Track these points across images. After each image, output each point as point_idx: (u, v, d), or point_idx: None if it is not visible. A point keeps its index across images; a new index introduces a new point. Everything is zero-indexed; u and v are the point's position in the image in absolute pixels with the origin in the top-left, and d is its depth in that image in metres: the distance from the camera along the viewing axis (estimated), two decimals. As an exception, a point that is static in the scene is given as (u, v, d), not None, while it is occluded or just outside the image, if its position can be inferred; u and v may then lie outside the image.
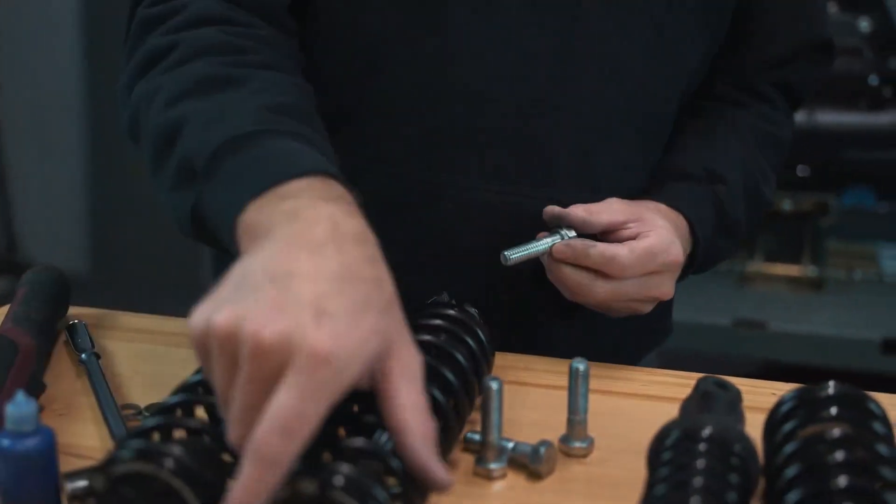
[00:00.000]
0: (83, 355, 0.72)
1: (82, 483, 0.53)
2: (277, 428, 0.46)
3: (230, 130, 0.61)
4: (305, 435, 0.46)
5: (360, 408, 0.54)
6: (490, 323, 0.68)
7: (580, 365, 0.62)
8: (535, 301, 0.81)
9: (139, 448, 0.49)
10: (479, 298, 0.71)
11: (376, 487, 0.47)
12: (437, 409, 0.56)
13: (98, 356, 0.72)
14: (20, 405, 0.52)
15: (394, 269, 0.54)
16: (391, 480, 0.50)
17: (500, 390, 0.59)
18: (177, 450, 0.49)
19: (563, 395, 0.64)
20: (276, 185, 0.55)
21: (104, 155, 2.78)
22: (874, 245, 2.46)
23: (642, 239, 0.75)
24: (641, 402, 0.71)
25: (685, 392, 0.64)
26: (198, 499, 0.48)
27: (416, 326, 0.62)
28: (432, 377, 0.58)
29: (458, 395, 0.60)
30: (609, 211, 0.76)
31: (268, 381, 0.47)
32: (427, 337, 0.62)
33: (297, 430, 0.46)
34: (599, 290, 0.74)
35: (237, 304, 0.48)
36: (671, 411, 0.63)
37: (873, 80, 2.11)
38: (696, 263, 0.83)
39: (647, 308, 0.78)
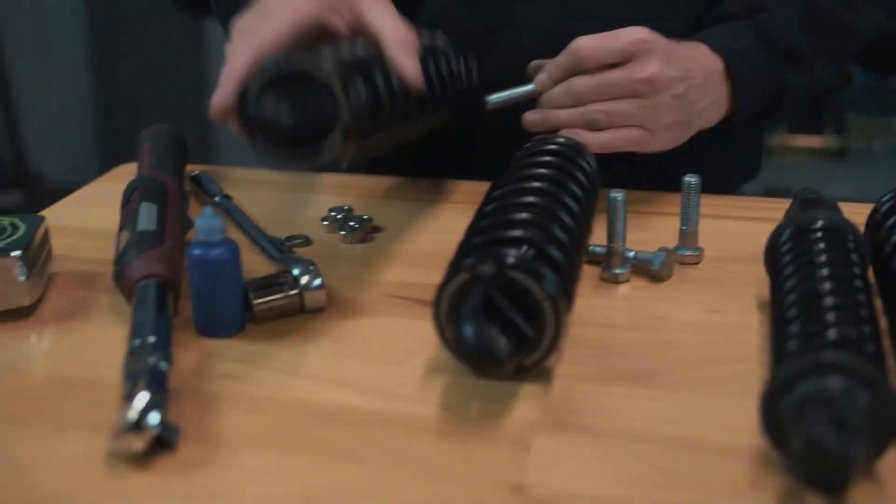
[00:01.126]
0: (216, 198, 0.78)
1: (264, 288, 0.59)
2: None
3: None
4: None
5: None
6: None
7: (692, 179, 0.68)
8: None
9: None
10: None
11: (545, 268, 0.53)
12: (568, 233, 0.61)
13: (229, 197, 0.78)
14: (208, 218, 0.57)
15: None
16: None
17: (624, 200, 0.65)
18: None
19: (669, 220, 0.70)
20: None
21: (108, 64, 2.78)
22: (890, 118, 2.50)
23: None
24: (738, 222, 0.77)
25: (777, 213, 0.70)
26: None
27: (527, 161, 0.67)
28: (555, 207, 0.62)
29: (580, 223, 0.64)
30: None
31: None
32: (542, 171, 0.66)
33: None
34: (581, 87, 0.75)
35: None
36: (770, 227, 0.69)
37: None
38: (742, 96, 0.80)
39: (655, 101, 0.75)
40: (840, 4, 0.87)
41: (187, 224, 0.71)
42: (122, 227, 0.66)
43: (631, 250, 0.67)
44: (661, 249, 0.67)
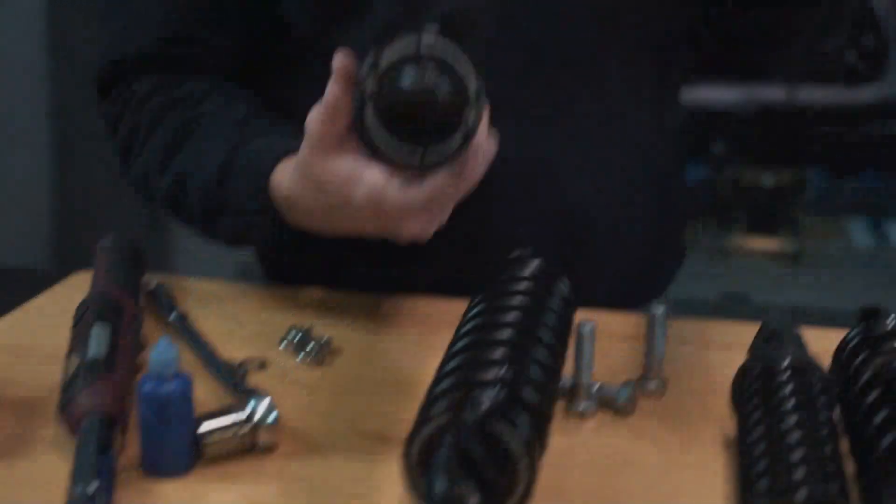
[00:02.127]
0: (171, 317, 0.75)
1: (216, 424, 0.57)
2: None
3: (218, 159, 0.75)
4: None
5: None
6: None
7: (658, 309, 0.67)
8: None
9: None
10: None
11: (520, 414, 0.51)
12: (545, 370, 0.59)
13: (184, 317, 0.75)
14: (162, 351, 0.55)
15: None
16: None
17: (592, 333, 0.64)
18: None
19: (631, 346, 0.69)
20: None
21: (68, 151, 2.75)
22: (845, 219, 2.55)
23: None
24: (704, 350, 0.76)
25: (742, 340, 0.70)
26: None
27: (502, 288, 0.66)
28: (532, 343, 0.61)
29: (557, 342, 0.63)
30: None
31: None
32: (522, 295, 0.65)
33: None
34: None
35: None
36: (735, 357, 0.68)
37: (850, 56, 2.19)
38: None
39: None
40: None
41: (140, 346, 0.69)
42: (71, 351, 0.64)
43: (596, 382, 0.66)
44: (626, 384, 0.65)
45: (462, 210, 0.68)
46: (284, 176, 0.71)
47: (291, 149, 0.69)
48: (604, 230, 0.85)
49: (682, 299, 2.21)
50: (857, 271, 2.32)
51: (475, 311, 0.65)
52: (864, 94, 2.20)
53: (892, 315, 0.62)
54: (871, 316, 0.63)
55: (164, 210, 0.83)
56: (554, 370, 0.59)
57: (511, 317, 0.61)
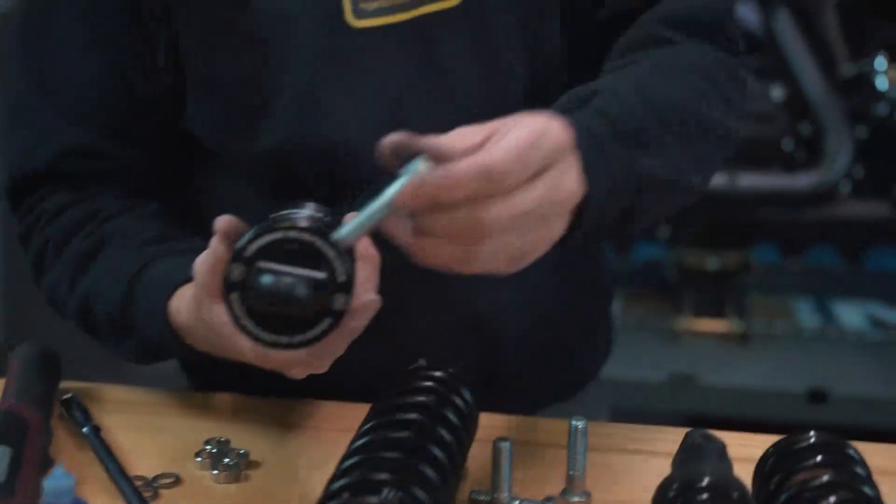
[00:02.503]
0: (84, 429, 0.73)
1: None
2: None
3: (121, 285, 0.75)
4: None
5: None
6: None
7: (579, 423, 0.66)
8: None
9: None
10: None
11: None
12: (438, 468, 0.59)
13: (98, 429, 0.73)
14: (59, 478, 0.53)
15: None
16: None
17: (510, 449, 0.63)
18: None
19: (557, 451, 0.68)
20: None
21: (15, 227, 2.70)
22: (791, 299, 2.58)
23: (510, 134, 0.58)
24: (629, 457, 0.75)
25: (667, 447, 0.69)
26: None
27: (406, 390, 0.66)
28: (429, 439, 0.61)
29: (453, 456, 0.62)
30: (461, 134, 0.59)
31: None
32: (421, 398, 0.65)
33: None
34: (491, 217, 0.56)
35: None
36: (660, 464, 0.68)
37: (787, 144, 2.24)
38: (593, 173, 0.63)
39: (557, 227, 0.62)
40: (695, 97, 0.75)
41: (48, 464, 0.67)
42: (-29, 472, 0.62)
43: (517, 498, 0.64)
44: (547, 499, 0.64)
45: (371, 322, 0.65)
46: (182, 304, 0.71)
47: (191, 276, 0.68)
48: (517, 335, 0.84)
49: (631, 381, 2.22)
50: (804, 350, 2.34)
51: (373, 414, 0.65)
52: (804, 179, 2.25)
53: (811, 432, 0.61)
54: (815, 399, 0.63)
55: (76, 325, 0.82)
56: (451, 471, 0.58)
57: (410, 416, 0.61)
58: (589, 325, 0.92)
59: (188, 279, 0.68)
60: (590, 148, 0.63)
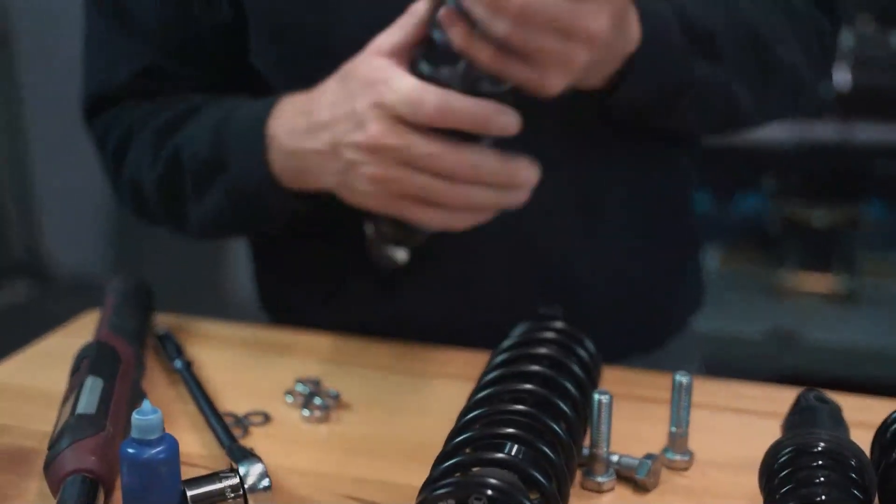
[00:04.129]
0: (176, 363, 0.73)
1: (204, 490, 0.54)
2: None
3: (214, 122, 0.75)
4: None
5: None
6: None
7: (683, 378, 0.62)
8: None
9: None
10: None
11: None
12: (566, 422, 0.57)
13: (189, 363, 0.73)
14: (146, 413, 0.52)
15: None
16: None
17: (609, 404, 0.59)
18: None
19: (656, 407, 0.64)
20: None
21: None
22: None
23: None
24: (734, 416, 0.71)
25: (775, 407, 0.65)
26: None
27: (525, 343, 0.64)
28: (555, 392, 0.59)
29: (578, 411, 0.60)
30: None
31: None
32: (544, 350, 0.63)
33: None
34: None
35: None
36: (768, 425, 0.64)
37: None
38: (645, 51, 0.68)
39: (581, 54, 0.62)
40: (768, 31, 0.77)
41: (139, 396, 0.66)
42: (64, 401, 0.62)
43: (615, 454, 0.61)
44: (648, 456, 0.61)
45: (451, 258, 0.67)
46: (281, 121, 0.71)
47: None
48: (593, 284, 0.81)
49: (727, 335, 2.15)
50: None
51: (500, 359, 0.63)
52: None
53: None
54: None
55: (154, 206, 0.82)
56: (569, 446, 0.56)
57: (532, 381, 0.59)
58: (673, 276, 0.87)
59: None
60: (652, 24, 0.68)
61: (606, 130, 0.78)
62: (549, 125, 0.73)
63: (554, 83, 0.63)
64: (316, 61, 0.73)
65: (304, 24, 0.75)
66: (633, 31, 0.68)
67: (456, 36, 0.62)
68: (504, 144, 0.66)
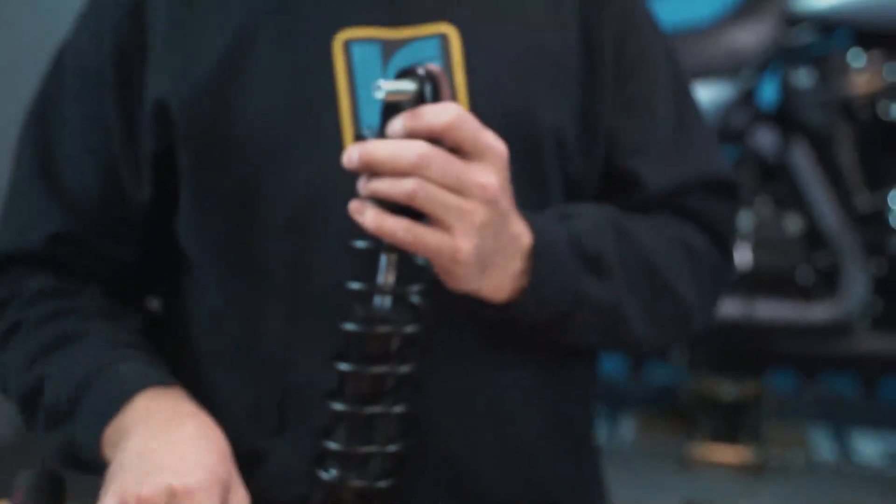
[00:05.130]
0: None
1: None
2: None
3: (81, 373, 0.78)
4: None
5: None
6: None
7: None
8: None
9: None
10: None
11: None
12: None
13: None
14: None
15: None
16: None
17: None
18: None
19: None
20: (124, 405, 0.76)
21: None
22: (807, 428, 2.53)
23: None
24: None
25: None
26: None
27: None
28: None
29: None
30: None
31: None
32: None
33: None
34: (433, 153, 0.67)
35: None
36: None
37: (803, 274, 2.23)
38: (538, 274, 0.74)
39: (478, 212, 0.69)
40: (665, 265, 0.82)
41: None
42: None
43: None
44: None
45: None
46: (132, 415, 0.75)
47: (164, 381, 0.75)
48: (509, 495, 0.82)
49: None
50: (820, 482, 2.29)
51: None
52: (819, 311, 2.23)
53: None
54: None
55: (17, 406, 0.83)
56: None
57: None
58: (581, 481, 0.89)
59: (162, 382, 0.77)
60: (546, 248, 0.75)
61: (514, 335, 0.81)
62: (457, 331, 0.77)
63: (463, 243, 0.68)
64: (243, 231, 0.77)
65: (236, 195, 0.78)
66: (521, 226, 0.74)
67: (369, 220, 0.66)
68: (418, 351, 0.70)
